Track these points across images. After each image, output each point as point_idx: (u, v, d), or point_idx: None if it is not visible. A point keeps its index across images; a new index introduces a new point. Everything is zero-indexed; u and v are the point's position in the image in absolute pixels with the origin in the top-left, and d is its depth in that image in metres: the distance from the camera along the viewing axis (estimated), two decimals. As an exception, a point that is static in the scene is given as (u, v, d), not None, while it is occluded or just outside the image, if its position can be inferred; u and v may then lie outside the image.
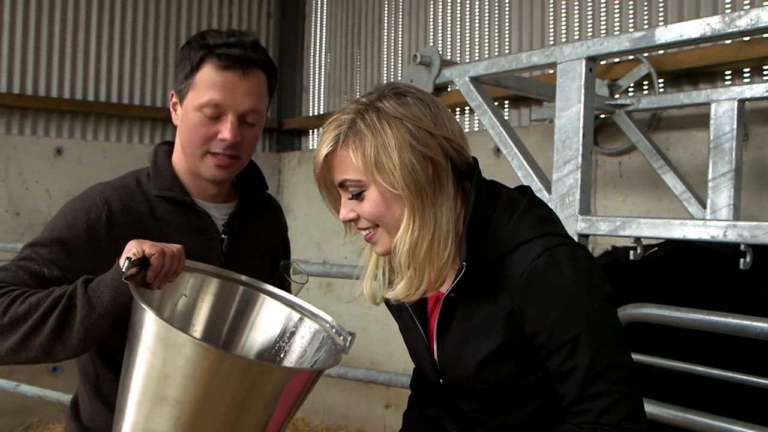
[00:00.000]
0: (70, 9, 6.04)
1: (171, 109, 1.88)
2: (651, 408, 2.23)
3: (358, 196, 1.51)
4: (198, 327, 1.75)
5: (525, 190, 1.61)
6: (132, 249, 1.54)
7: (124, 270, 1.50)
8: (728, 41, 3.57)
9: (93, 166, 5.90)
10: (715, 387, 2.31)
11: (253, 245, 1.98)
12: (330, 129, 1.51)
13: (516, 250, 1.47)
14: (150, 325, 1.41)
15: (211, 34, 1.82)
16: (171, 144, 1.96)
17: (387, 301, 1.67)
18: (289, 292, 1.84)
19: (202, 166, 1.83)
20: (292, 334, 1.76)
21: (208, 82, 1.77)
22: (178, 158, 1.90)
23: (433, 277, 1.52)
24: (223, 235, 1.91)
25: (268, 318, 1.78)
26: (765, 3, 3.69)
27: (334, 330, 1.70)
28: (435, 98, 1.55)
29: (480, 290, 1.51)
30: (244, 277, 1.79)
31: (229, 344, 1.77)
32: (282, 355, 1.75)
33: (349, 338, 1.65)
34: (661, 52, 3.86)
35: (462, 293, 1.52)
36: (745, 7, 3.73)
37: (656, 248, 2.82)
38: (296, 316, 1.75)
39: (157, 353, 1.41)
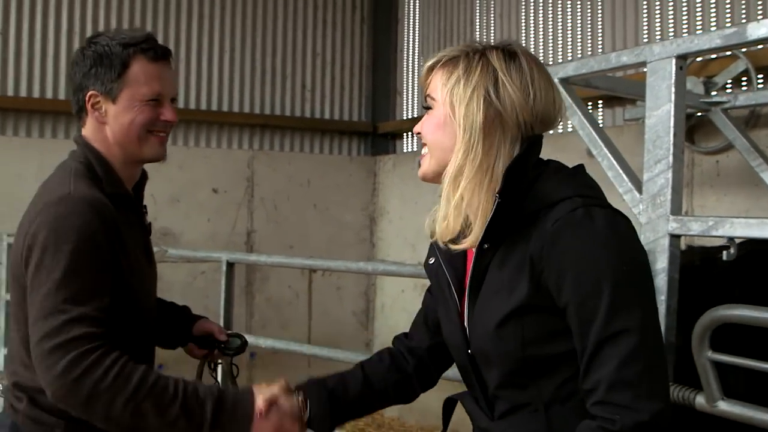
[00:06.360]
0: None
1: (90, 109, 1.91)
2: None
3: (428, 110, 1.66)
4: None
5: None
6: None
7: None
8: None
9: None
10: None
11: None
12: (441, 52, 1.66)
13: (556, 205, 1.49)
14: None
15: (119, 36, 1.91)
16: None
17: (427, 267, 1.79)
18: None
19: (146, 146, 1.94)
20: None
21: (145, 76, 1.90)
22: (108, 154, 1.93)
23: (471, 216, 1.59)
24: (148, 221, 2.09)
25: None
26: None
27: None
28: (542, 69, 1.62)
29: (514, 240, 1.54)
30: None
31: None
32: None
33: None
34: (760, 47, 3.76)
35: (496, 243, 1.56)
36: None
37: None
38: None
39: None
